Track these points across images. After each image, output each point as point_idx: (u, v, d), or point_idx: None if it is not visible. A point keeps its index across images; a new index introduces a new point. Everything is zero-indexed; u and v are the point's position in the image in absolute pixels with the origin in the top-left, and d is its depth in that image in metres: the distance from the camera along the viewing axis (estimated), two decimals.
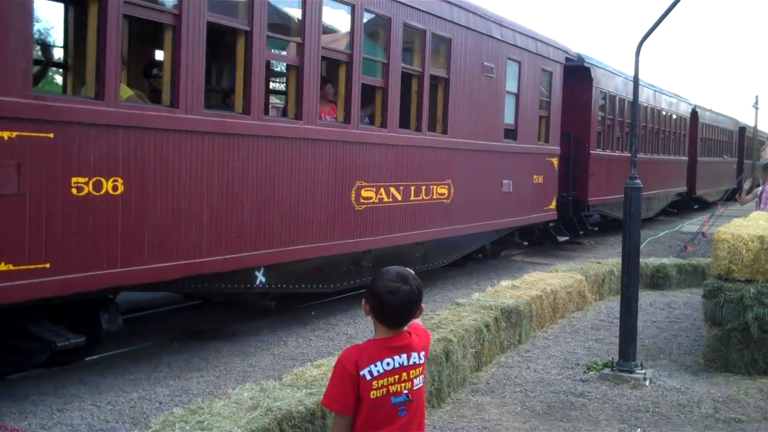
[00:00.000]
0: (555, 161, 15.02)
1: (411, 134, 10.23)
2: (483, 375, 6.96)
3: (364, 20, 9.19)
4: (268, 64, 8.72)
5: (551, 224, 15.91)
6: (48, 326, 6.27)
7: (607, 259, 12.47)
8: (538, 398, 6.37)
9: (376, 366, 2.99)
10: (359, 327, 8.95)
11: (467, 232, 11.89)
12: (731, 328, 7.11)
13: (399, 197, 9.89)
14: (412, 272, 3.14)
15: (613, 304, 10.02)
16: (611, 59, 31.40)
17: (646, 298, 10.67)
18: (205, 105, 7.12)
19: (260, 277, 7.90)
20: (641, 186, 7.10)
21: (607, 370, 6.99)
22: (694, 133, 27.09)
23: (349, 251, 9.14)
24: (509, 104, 12.95)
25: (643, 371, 6.89)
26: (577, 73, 16.73)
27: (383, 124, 9.62)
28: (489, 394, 6.46)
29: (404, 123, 10.19)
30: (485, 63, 11.89)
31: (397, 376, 3.02)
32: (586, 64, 17.02)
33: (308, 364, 5.61)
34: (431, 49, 10.48)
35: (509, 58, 12.78)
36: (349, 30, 8.98)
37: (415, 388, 3.07)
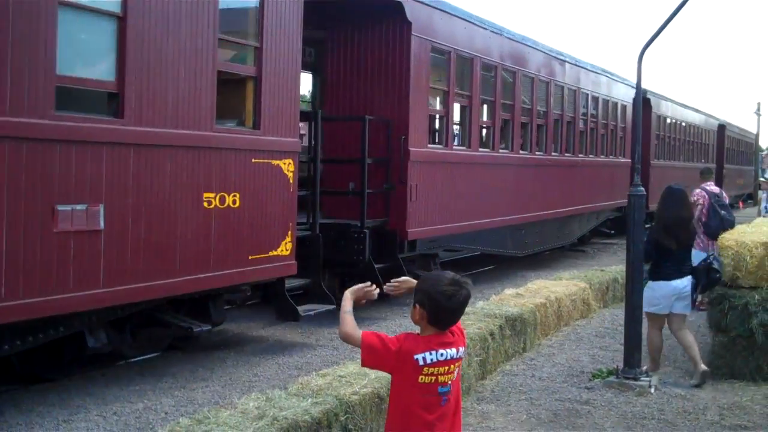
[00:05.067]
0: (289, 166, 8.07)
1: None
2: (488, 383, 6.96)
3: None
4: None
5: (290, 283, 8.50)
6: None
7: (611, 267, 12.47)
8: (543, 406, 6.37)
9: (430, 354, 3.24)
10: None
11: None
12: (736, 335, 7.12)
13: None
14: (460, 276, 3.35)
15: (618, 311, 10.00)
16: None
17: None
18: None
19: None
20: (644, 193, 7.12)
21: (612, 378, 7.00)
22: (645, 125, 18.60)
23: None
24: (81, 32, 6.17)
25: (648, 378, 6.89)
26: (383, 14, 10.23)
27: None
28: (494, 402, 6.46)
29: None
30: None
31: (446, 367, 3.28)
32: None
33: (313, 373, 5.62)
34: None
35: None
36: None
37: (455, 378, 3.34)
